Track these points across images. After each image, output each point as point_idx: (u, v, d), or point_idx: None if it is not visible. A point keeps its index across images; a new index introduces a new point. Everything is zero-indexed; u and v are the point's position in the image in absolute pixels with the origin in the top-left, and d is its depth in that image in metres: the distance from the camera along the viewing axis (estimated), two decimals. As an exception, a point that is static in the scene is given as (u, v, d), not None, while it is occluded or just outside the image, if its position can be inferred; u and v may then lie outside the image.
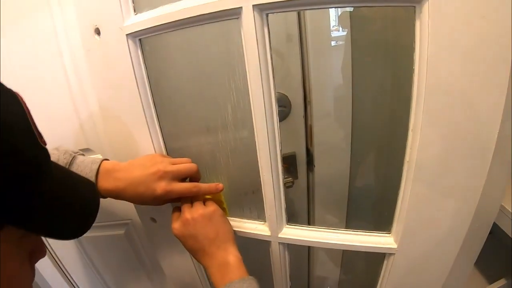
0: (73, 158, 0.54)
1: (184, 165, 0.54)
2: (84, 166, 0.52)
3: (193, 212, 0.53)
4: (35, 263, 0.35)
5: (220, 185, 0.55)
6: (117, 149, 0.63)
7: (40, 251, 0.36)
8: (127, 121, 0.58)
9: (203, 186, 0.54)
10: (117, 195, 0.52)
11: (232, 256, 0.50)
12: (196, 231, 0.52)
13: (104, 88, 0.58)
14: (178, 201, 0.56)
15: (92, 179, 0.51)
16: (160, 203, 0.54)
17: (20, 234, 0.30)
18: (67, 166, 0.52)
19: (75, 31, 0.64)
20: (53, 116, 0.73)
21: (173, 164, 0.53)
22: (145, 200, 0.52)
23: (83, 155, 0.57)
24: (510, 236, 0.78)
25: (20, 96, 0.30)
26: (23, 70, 0.70)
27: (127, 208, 0.79)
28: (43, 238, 0.37)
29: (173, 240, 0.70)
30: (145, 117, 0.56)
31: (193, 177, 0.56)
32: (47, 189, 0.31)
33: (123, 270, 0.99)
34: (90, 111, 0.72)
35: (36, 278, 0.56)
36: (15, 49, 0.69)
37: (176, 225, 0.54)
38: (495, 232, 0.96)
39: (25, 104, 0.30)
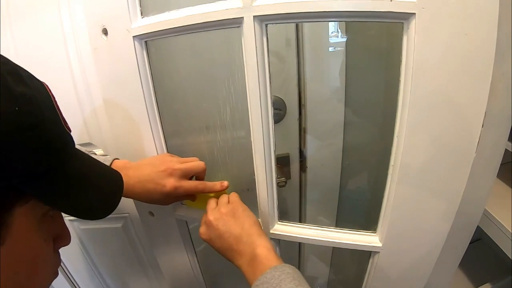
0: None
1: (193, 163, 0.56)
2: None
3: (215, 213, 0.52)
4: (59, 248, 0.37)
5: (225, 183, 0.57)
6: (120, 144, 0.66)
7: (65, 238, 0.37)
8: (130, 117, 0.61)
9: (208, 184, 0.56)
10: (126, 191, 0.51)
11: (260, 248, 0.47)
12: (220, 231, 0.50)
13: (109, 86, 0.60)
14: (184, 199, 0.57)
15: None
16: (167, 201, 0.55)
17: (43, 212, 0.31)
18: None
19: (82, 29, 0.66)
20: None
21: (182, 162, 0.55)
22: (153, 196, 0.53)
23: (95, 154, 0.58)
24: (497, 242, 0.81)
25: (46, 85, 0.33)
26: (29, 65, 0.72)
27: (125, 201, 0.81)
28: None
29: (170, 234, 0.73)
30: (148, 115, 0.58)
31: (199, 175, 0.57)
32: (72, 169, 0.33)
33: (119, 263, 1.01)
34: (94, 106, 0.74)
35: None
36: (22, 43, 0.71)
37: (202, 230, 0.53)
38: (483, 238, 0.99)
39: (51, 91, 0.33)
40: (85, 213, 0.34)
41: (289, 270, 0.43)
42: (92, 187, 0.35)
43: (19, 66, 0.30)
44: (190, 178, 0.57)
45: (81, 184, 0.34)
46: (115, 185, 0.40)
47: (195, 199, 0.59)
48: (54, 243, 0.35)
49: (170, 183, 0.52)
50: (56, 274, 0.37)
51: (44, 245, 0.33)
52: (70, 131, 0.35)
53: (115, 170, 0.42)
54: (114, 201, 0.38)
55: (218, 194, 0.58)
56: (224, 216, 0.52)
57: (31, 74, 0.31)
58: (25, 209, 0.29)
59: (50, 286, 0.44)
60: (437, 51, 0.39)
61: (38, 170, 0.28)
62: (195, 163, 0.56)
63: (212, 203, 0.55)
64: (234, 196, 0.56)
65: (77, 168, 0.34)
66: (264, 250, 0.46)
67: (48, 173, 0.30)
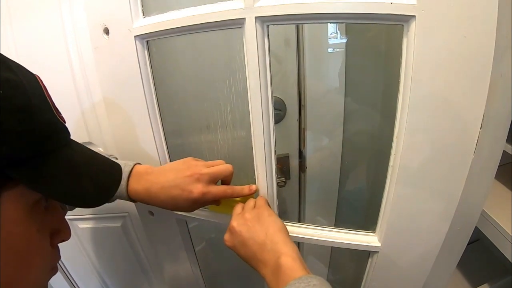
0: None
1: (220, 166, 0.53)
2: None
3: (239, 218, 0.50)
4: (58, 242, 0.36)
5: (254, 187, 0.55)
6: (119, 143, 0.66)
7: (63, 232, 0.37)
8: (130, 117, 0.61)
9: (237, 188, 0.54)
10: (148, 198, 0.51)
11: (284, 257, 0.43)
12: (243, 237, 0.48)
13: (110, 85, 0.61)
14: (210, 204, 0.55)
15: (124, 181, 0.51)
16: (193, 208, 0.52)
17: (34, 200, 0.31)
18: None
19: (83, 28, 0.66)
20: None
21: (208, 166, 0.52)
22: (179, 203, 0.50)
23: (116, 158, 0.57)
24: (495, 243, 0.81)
25: (38, 77, 0.33)
26: (29, 63, 0.72)
27: (124, 201, 0.81)
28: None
29: (169, 234, 0.73)
30: (149, 114, 0.59)
31: (226, 178, 0.54)
32: (63, 157, 0.33)
33: (117, 262, 1.01)
34: (94, 106, 0.74)
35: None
36: (22, 42, 0.71)
37: (226, 236, 0.51)
38: (482, 239, 1.00)
39: (43, 83, 0.33)
40: (73, 201, 0.34)
41: (316, 281, 0.39)
42: (83, 177, 0.35)
43: (10, 59, 0.30)
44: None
45: (71, 173, 0.33)
46: (110, 177, 0.39)
47: (219, 203, 0.56)
48: (52, 238, 0.35)
49: (198, 188, 0.49)
50: (55, 270, 0.37)
51: (37, 237, 0.32)
52: (65, 122, 0.35)
53: (115, 163, 0.41)
54: (108, 192, 0.37)
55: (244, 198, 0.56)
56: (248, 222, 0.49)
57: (22, 66, 0.32)
58: (14, 194, 0.29)
59: (48, 283, 0.44)
60: (436, 53, 0.40)
61: (23, 155, 0.28)
62: (222, 167, 0.53)
63: (238, 208, 0.53)
64: (260, 200, 0.54)
65: (68, 158, 0.34)
66: (288, 260, 0.42)
67: (35, 159, 0.30)
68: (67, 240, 0.37)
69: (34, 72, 0.33)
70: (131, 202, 0.76)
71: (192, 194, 0.49)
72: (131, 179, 0.52)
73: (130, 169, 0.52)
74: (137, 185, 0.52)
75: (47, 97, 0.33)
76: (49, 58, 0.71)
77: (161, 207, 0.52)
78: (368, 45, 0.72)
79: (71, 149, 0.35)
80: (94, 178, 0.36)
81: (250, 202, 0.54)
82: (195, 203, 0.51)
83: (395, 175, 0.48)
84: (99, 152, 0.55)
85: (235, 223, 0.50)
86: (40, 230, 0.33)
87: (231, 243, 0.50)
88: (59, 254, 0.38)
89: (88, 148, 0.39)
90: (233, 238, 0.50)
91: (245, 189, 0.54)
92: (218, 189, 0.51)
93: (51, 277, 0.37)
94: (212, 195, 0.50)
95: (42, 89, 0.32)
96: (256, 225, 0.48)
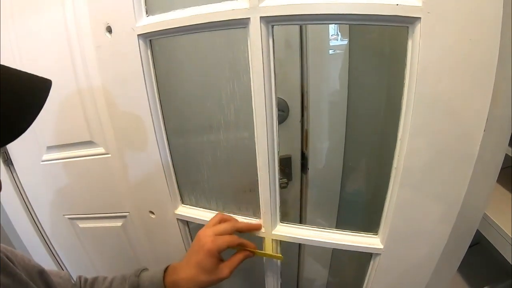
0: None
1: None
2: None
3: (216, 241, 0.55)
4: None
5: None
6: (121, 143, 0.66)
7: None
8: (132, 116, 0.61)
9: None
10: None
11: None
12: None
13: (112, 84, 0.61)
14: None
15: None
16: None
17: None
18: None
19: (86, 26, 0.66)
20: (58, 106, 0.75)
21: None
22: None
23: (147, 270, 0.63)
24: (496, 246, 0.81)
25: None
26: (30, 61, 0.72)
27: (125, 200, 0.81)
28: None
29: (170, 234, 0.73)
30: (151, 114, 0.58)
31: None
32: None
33: (117, 262, 1.01)
34: (96, 104, 0.74)
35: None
36: (24, 40, 0.70)
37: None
38: (482, 242, 1.00)
39: None
40: None
41: None
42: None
43: None
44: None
45: None
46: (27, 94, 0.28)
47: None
48: None
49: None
50: None
51: None
52: None
53: (43, 78, 0.32)
54: (14, 128, 0.27)
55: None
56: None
57: None
58: None
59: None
60: (441, 56, 0.40)
61: None
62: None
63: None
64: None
65: None
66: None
67: None
68: None
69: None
70: (131, 202, 0.76)
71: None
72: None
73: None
74: None
75: None
76: (51, 57, 0.71)
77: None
78: (371, 47, 0.72)
79: None
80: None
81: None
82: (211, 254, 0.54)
83: (399, 177, 0.48)
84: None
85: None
86: None
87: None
88: None
89: (13, 70, 0.30)
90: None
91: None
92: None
93: None
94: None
95: None
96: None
